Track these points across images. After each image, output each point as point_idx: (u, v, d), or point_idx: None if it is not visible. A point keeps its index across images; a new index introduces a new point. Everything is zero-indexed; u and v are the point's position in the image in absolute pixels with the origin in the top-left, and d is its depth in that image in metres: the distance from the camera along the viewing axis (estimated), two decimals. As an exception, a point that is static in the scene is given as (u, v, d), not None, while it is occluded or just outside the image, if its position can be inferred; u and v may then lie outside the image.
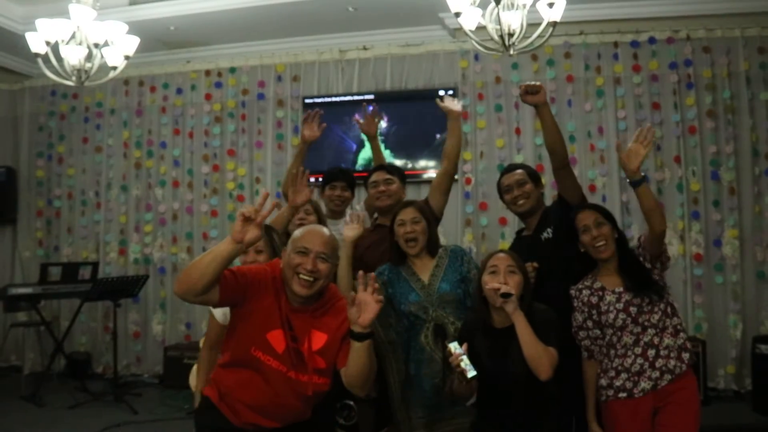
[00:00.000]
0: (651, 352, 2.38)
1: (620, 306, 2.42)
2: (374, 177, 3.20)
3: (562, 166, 2.82)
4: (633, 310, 2.41)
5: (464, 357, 2.14)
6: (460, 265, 2.72)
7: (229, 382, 2.06)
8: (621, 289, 2.45)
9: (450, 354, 2.17)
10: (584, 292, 2.52)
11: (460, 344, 2.19)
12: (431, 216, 2.84)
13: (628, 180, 2.47)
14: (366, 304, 1.94)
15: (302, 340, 2.02)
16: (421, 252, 2.73)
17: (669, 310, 2.45)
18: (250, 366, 2.02)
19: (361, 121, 3.62)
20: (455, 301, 2.65)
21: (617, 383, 2.41)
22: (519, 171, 2.93)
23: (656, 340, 2.40)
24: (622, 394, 2.39)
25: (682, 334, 2.46)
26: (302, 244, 2.04)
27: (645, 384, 2.37)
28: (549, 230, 2.82)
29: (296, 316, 2.04)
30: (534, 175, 2.95)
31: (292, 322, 2.02)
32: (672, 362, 2.39)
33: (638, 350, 2.40)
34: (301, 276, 2.00)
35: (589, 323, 2.49)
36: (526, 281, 2.37)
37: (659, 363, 2.38)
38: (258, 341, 2.00)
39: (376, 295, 1.95)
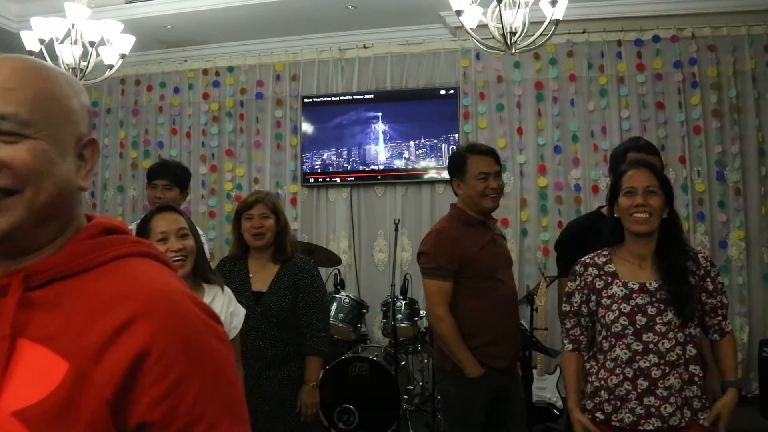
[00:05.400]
0: (642, 383, 1.83)
1: (625, 308, 1.85)
2: (488, 166, 2.50)
3: None
4: (640, 320, 1.84)
5: None
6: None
7: None
8: (636, 286, 1.87)
9: None
10: (590, 270, 1.97)
11: None
12: None
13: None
14: None
15: None
16: None
17: (690, 348, 1.87)
18: None
19: None
20: None
21: (596, 399, 1.92)
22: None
23: (655, 373, 1.82)
24: (599, 415, 1.90)
25: (697, 385, 1.86)
26: None
27: (624, 415, 1.84)
28: None
29: None
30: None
31: None
32: (669, 409, 1.81)
33: (629, 372, 1.84)
34: None
35: (584, 309, 1.98)
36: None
37: (648, 401, 1.82)
38: None
39: None
